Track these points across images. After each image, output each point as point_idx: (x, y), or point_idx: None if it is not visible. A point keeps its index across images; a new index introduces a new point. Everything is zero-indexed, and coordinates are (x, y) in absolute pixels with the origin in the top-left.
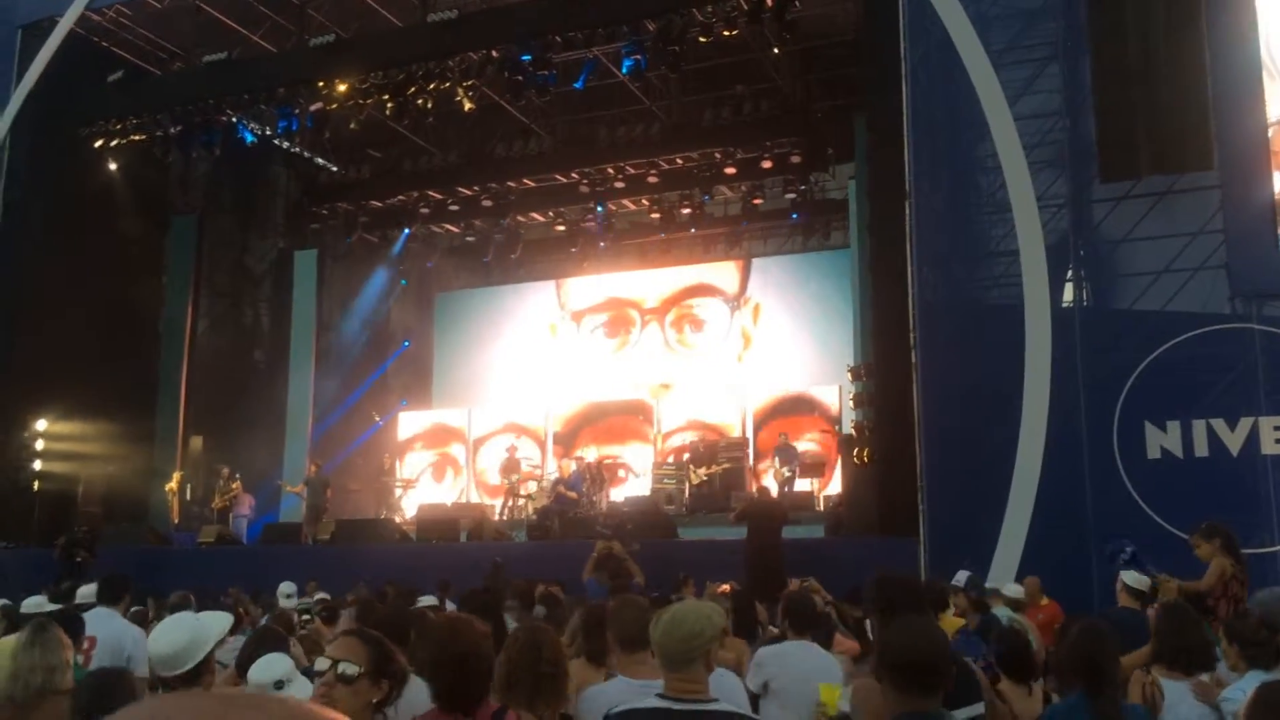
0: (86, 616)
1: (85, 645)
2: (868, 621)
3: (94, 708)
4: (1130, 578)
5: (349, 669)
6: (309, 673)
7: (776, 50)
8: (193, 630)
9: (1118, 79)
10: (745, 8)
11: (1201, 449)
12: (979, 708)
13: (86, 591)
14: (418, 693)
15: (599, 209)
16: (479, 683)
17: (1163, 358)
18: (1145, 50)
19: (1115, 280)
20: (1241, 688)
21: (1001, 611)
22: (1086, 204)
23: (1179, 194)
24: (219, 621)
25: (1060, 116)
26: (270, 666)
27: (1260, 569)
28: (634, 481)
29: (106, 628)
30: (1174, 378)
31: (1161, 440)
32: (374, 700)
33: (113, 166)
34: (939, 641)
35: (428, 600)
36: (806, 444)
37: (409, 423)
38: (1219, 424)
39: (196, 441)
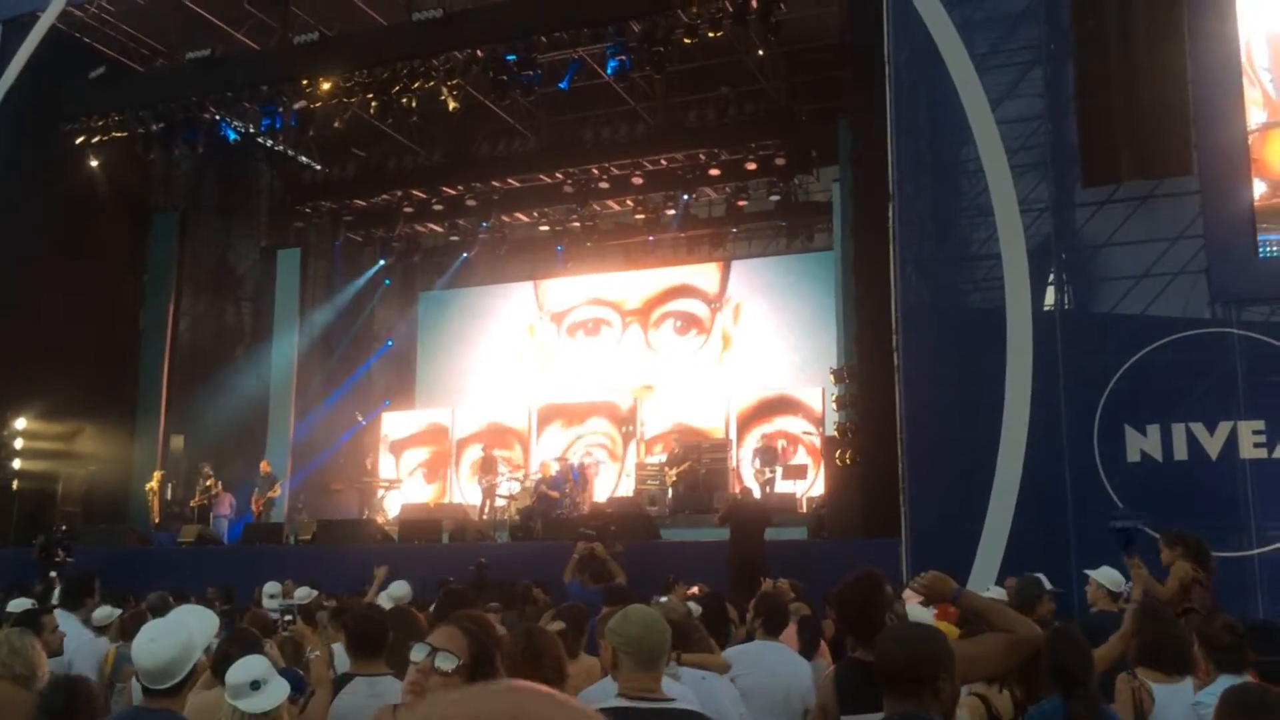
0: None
1: None
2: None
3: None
4: (1104, 576)
5: (446, 661)
6: (287, 673)
7: (761, 52)
8: (182, 643)
9: (1100, 84)
10: (730, 10)
11: (1181, 452)
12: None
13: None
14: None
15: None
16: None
17: (1143, 361)
18: (1127, 56)
19: (1096, 284)
20: (1213, 692)
21: None
22: (1068, 208)
23: (1160, 199)
24: (206, 627)
25: (1043, 121)
26: (247, 668)
27: (1237, 572)
28: (616, 482)
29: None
30: (1154, 381)
31: (1141, 443)
32: None
33: (94, 163)
34: (927, 648)
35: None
36: (789, 446)
37: (392, 422)
38: (1198, 428)
39: (177, 440)
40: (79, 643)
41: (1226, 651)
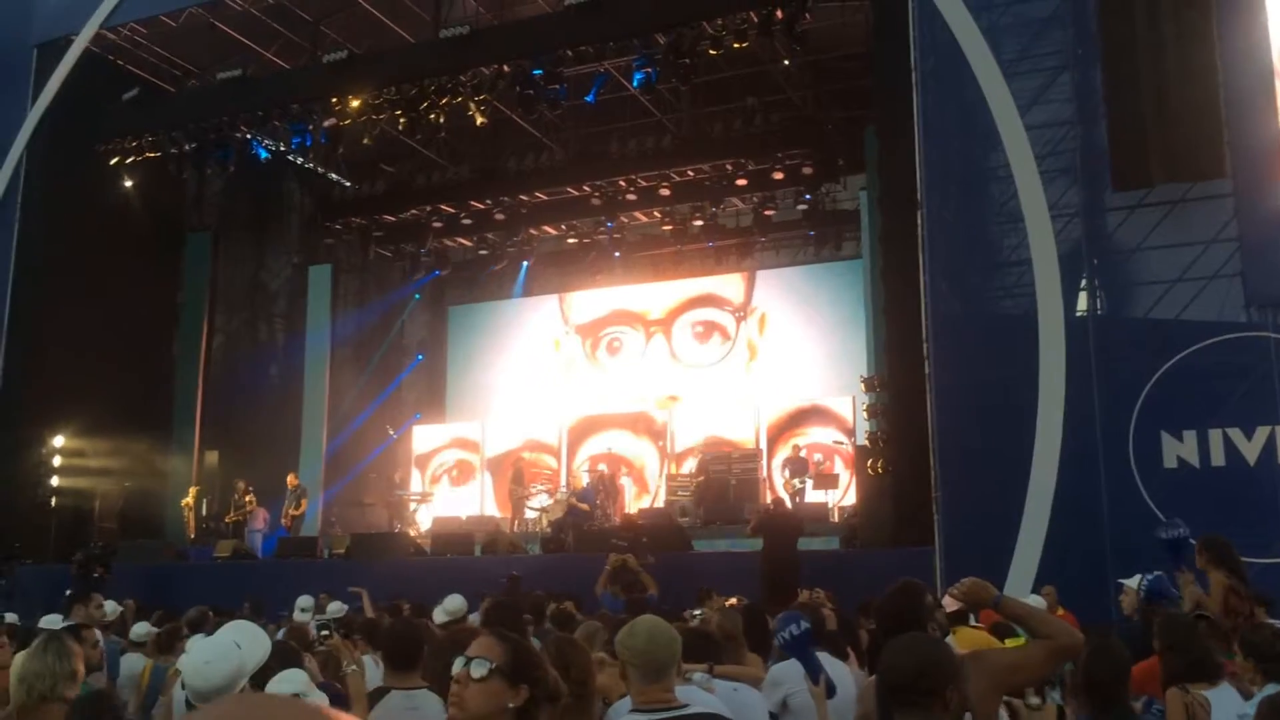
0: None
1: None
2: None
3: None
4: (1136, 582)
5: (479, 667)
6: (324, 687)
7: (787, 62)
8: (235, 668)
9: (1129, 88)
10: (756, 20)
11: (1218, 458)
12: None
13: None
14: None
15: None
16: None
17: (1178, 366)
18: (1156, 59)
19: (1129, 289)
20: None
21: None
22: (1099, 213)
23: (1192, 202)
24: (257, 650)
25: (1072, 126)
26: (289, 681)
27: (1278, 579)
28: (652, 494)
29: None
30: (1190, 387)
31: (1178, 449)
32: (511, 705)
33: (128, 184)
34: (934, 658)
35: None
36: (823, 460)
37: (423, 436)
38: (1235, 433)
39: (212, 457)
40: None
41: (1275, 661)
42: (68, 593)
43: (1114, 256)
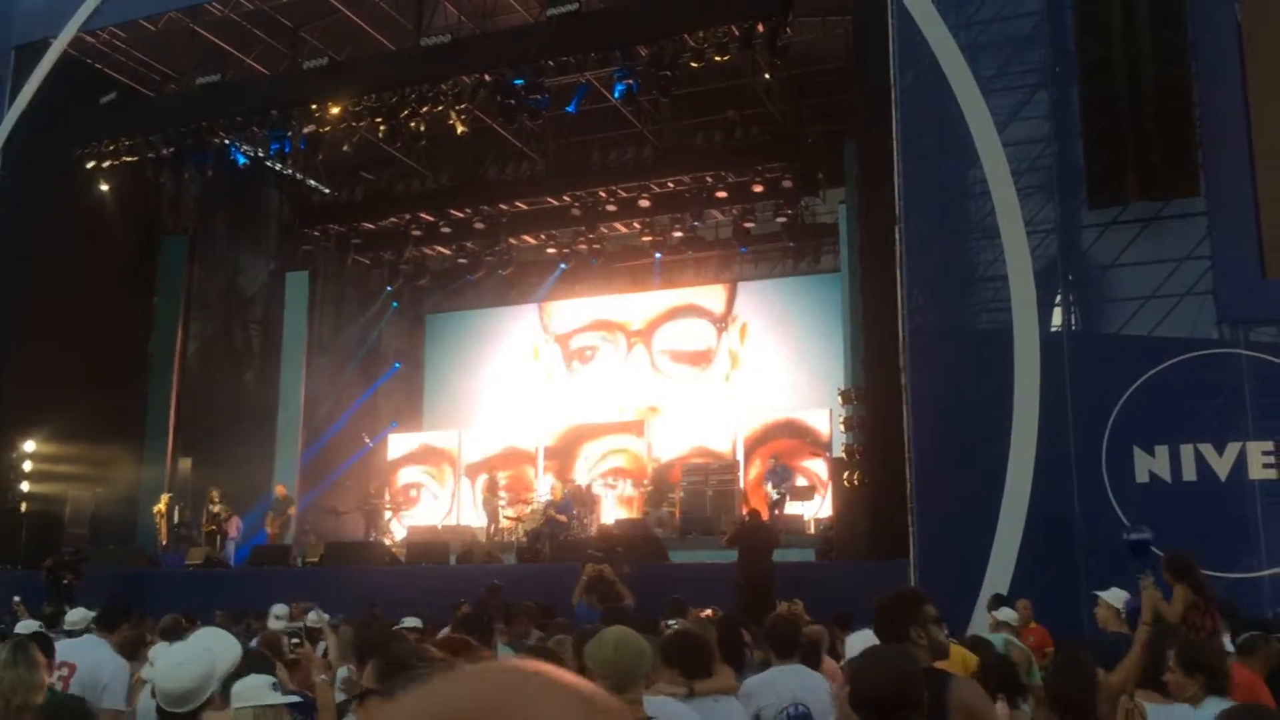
0: (74, 643)
1: (65, 672)
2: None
3: None
4: (1114, 597)
5: None
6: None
7: (768, 75)
8: (205, 669)
9: (1106, 106)
10: (737, 34)
11: (1189, 473)
12: None
13: (75, 617)
14: None
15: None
16: None
17: (1151, 382)
18: (1133, 78)
19: (1103, 305)
20: (1202, 717)
21: (997, 637)
22: (1075, 230)
23: (1166, 220)
24: (229, 654)
25: (1049, 143)
26: (253, 687)
27: (1248, 593)
28: (625, 505)
29: (90, 656)
30: (1162, 402)
31: (1150, 464)
32: None
33: (104, 187)
34: (907, 673)
35: (412, 622)
36: (798, 467)
37: (399, 444)
38: (1207, 448)
39: (185, 463)
40: (112, 667)
41: (1216, 676)
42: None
43: (1089, 273)
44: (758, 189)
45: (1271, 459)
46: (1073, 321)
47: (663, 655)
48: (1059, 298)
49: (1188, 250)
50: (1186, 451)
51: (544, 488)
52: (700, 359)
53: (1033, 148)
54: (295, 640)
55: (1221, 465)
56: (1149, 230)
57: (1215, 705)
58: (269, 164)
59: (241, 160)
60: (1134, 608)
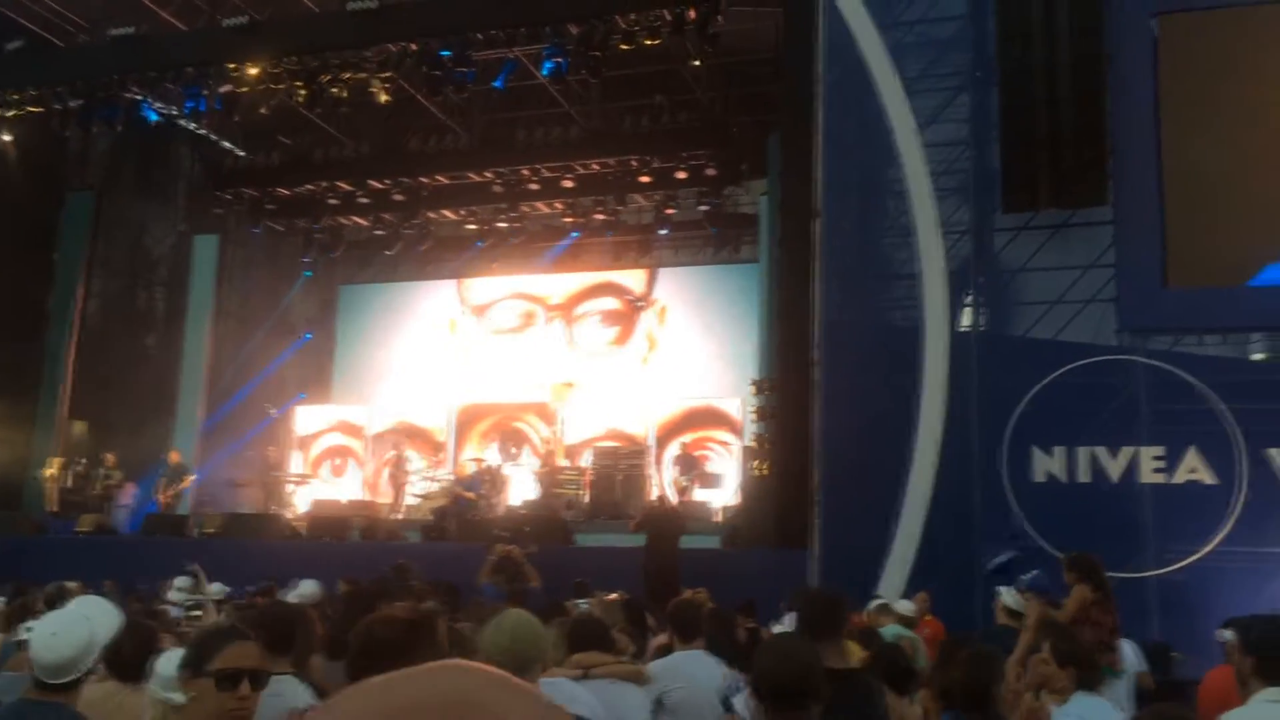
0: None
1: None
2: (761, 632)
3: None
4: (1010, 599)
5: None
6: None
7: (697, 62)
8: (85, 640)
9: (1023, 112)
10: (669, 19)
11: (1084, 475)
12: None
13: None
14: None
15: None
16: None
17: (1052, 385)
18: (1050, 85)
19: (1012, 308)
20: (1071, 711)
21: (889, 629)
22: (988, 233)
23: (1074, 227)
24: (109, 622)
25: (967, 146)
26: (170, 661)
27: (1135, 593)
28: (533, 485)
29: None
30: (1062, 405)
31: (1047, 464)
32: None
33: (7, 138)
34: (808, 662)
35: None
36: (707, 454)
37: (305, 417)
38: (1101, 451)
39: (80, 427)
40: None
41: (1091, 671)
42: None
43: (999, 276)
44: (681, 176)
45: (1162, 463)
46: (982, 322)
47: (565, 640)
48: (969, 298)
49: (1093, 258)
50: (1083, 453)
51: (451, 465)
52: (618, 339)
53: (951, 150)
54: (197, 612)
55: (1115, 468)
56: (1058, 236)
57: (1082, 701)
58: (182, 123)
59: (153, 117)
60: (1033, 584)
